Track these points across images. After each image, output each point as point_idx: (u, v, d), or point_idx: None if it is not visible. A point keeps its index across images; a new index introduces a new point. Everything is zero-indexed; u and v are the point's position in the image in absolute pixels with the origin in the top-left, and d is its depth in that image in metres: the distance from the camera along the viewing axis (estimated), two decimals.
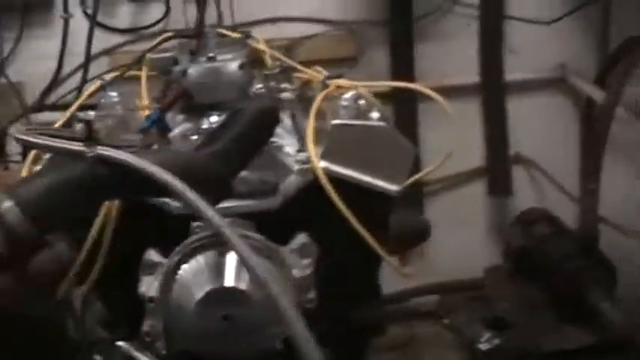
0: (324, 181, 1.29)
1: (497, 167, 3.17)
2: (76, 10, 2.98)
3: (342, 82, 1.64)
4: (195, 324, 1.15)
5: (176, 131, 1.40)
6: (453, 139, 3.09)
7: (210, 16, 2.92)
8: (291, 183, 1.33)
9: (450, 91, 3.07)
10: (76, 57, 2.98)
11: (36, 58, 3.02)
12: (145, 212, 1.30)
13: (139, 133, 1.36)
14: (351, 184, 1.32)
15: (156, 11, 3.00)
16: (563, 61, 3.07)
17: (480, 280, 3.15)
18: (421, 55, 3.07)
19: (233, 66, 1.41)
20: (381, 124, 1.33)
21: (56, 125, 1.67)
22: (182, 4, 2.96)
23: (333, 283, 1.36)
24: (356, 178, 1.32)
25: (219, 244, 1.19)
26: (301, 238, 1.30)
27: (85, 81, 2.80)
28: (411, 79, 3.06)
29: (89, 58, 2.86)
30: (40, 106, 2.90)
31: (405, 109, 3.09)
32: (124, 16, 3.02)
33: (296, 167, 1.32)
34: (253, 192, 1.33)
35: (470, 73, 3.09)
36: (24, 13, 2.97)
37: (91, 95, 1.74)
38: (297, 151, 1.38)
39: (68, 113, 1.70)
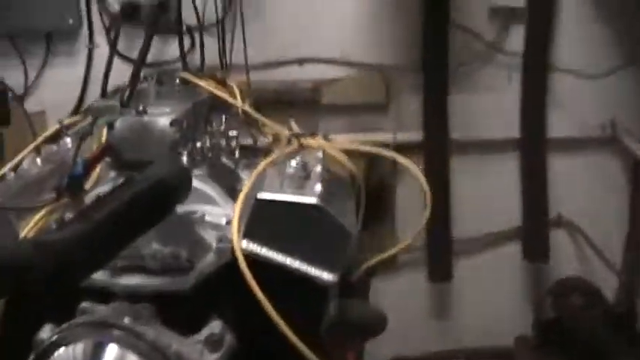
0: (242, 264, 1.12)
1: (535, 230, 2.92)
2: (101, 40, 2.90)
3: (309, 141, 1.48)
4: None
5: (96, 191, 1.25)
6: (487, 195, 2.92)
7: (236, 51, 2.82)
8: (207, 262, 1.16)
9: (486, 145, 2.90)
10: (99, 87, 2.89)
11: (59, 87, 2.95)
12: None
13: (53, 190, 1.22)
14: (277, 270, 1.14)
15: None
16: (611, 118, 2.81)
17: (509, 349, 2.90)
18: (456, 105, 2.85)
19: (163, 121, 1.26)
20: (313, 201, 1.14)
21: (7, 167, 1.56)
22: (207, 40, 2.85)
23: None
24: (282, 263, 1.14)
25: (102, 334, 1.03)
26: (213, 328, 1.14)
27: None
28: (444, 131, 2.86)
29: (105, 89, 2.77)
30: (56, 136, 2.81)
31: (435, 161, 2.89)
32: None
33: (214, 245, 1.16)
34: (165, 268, 1.17)
35: (509, 127, 2.86)
36: (49, 42, 2.91)
37: (49, 139, 1.64)
38: (226, 223, 1.21)
39: (21, 155, 1.60)
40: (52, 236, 0.86)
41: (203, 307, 1.16)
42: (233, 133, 1.45)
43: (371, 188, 2.91)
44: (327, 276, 1.15)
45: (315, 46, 2.87)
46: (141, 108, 1.27)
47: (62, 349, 1.03)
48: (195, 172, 1.32)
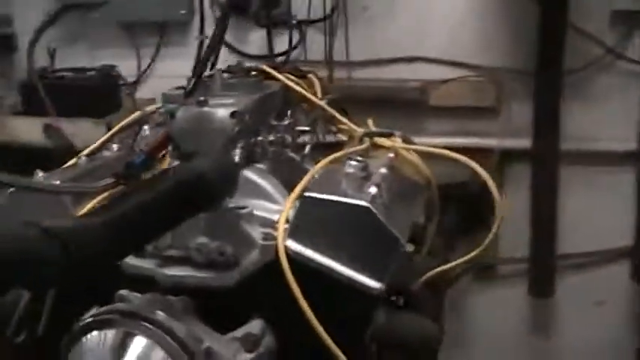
0: (284, 263, 1.08)
1: None
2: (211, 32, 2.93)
3: (381, 141, 1.42)
4: None
5: None
6: (597, 210, 2.75)
7: (344, 47, 2.79)
8: (251, 259, 1.13)
9: (599, 157, 2.73)
10: None
11: (170, 76, 3.00)
12: None
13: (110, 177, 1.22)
14: (321, 272, 1.10)
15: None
16: None
17: None
18: (570, 113, 2.69)
19: (222, 113, 1.23)
20: (362, 203, 1.09)
21: (85, 152, 1.59)
22: (315, 35, 2.84)
23: None
24: (327, 266, 1.09)
25: (131, 325, 1.01)
26: (252, 327, 1.11)
27: None
28: (555, 139, 2.71)
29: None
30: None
31: (544, 170, 2.74)
32: (257, 42, 2.92)
33: (259, 242, 1.12)
34: (210, 263, 1.15)
35: (626, 139, 2.68)
36: (162, 32, 2.98)
37: (128, 125, 1.66)
38: (276, 221, 1.17)
39: (99, 141, 1.62)
40: (65, 222, 0.85)
41: (245, 305, 1.14)
42: (303, 128, 1.42)
43: (474, 194, 2.81)
44: (373, 283, 1.09)
45: (426, 45, 2.79)
46: (202, 98, 1.25)
47: (95, 333, 1.02)
48: (257, 166, 1.29)
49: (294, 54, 2.81)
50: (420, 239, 1.50)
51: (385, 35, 2.79)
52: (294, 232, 1.11)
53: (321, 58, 2.78)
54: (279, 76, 1.52)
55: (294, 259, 1.09)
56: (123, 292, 1.07)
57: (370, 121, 1.55)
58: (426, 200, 1.46)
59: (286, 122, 1.35)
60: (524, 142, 2.73)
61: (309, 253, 1.10)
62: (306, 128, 1.44)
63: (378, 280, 1.09)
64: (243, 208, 1.16)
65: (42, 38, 2.96)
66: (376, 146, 1.43)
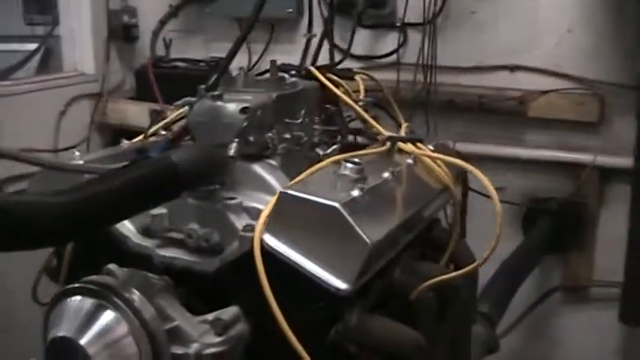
0: (256, 255, 1.13)
1: None
2: (319, 30, 2.99)
3: (404, 146, 1.43)
4: None
5: None
6: None
7: (446, 51, 2.76)
8: (232, 249, 1.19)
9: None
10: None
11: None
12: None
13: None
14: (292, 268, 1.13)
15: (392, 41, 2.91)
16: None
17: None
18: None
19: (232, 107, 1.29)
20: (332, 203, 1.11)
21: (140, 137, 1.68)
22: (418, 36, 2.83)
23: None
24: (297, 262, 1.12)
25: (105, 298, 1.09)
26: (225, 312, 1.17)
27: None
28: None
29: None
30: None
31: None
32: (362, 43, 2.95)
33: (240, 233, 1.17)
34: (199, 248, 1.22)
35: None
36: (272, 29, 3.08)
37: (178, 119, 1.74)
38: None
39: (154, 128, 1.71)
40: (25, 198, 0.93)
41: (225, 292, 1.19)
42: (328, 127, 1.45)
43: (569, 210, 2.72)
44: (340, 284, 1.11)
45: (530, 52, 2.73)
46: (217, 93, 1.32)
47: (78, 297, 1.11)
48: (267, 161, 1.34)
49: (396, 56, 2.83)
50: (442, 246, 1.50)
51: (489, 40, 2.75)
52: (273, 227, 1.15)
53: (425, 61, 2.76)
54: (320, 76, 1.56)
55: (269, 252, 1.13)
56: (111, 266, 1.15)
57: (404, 126, 1.56)
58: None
59: (299, 120, 1.38)
60: (626, 161, 2.61)
61: (282, 248, 1.13)
62: (333, 128, 1.47)
63: (346, 281, 1.11)
64: (233, 199, 1.22)
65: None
66: (401, 151, 1.44)
